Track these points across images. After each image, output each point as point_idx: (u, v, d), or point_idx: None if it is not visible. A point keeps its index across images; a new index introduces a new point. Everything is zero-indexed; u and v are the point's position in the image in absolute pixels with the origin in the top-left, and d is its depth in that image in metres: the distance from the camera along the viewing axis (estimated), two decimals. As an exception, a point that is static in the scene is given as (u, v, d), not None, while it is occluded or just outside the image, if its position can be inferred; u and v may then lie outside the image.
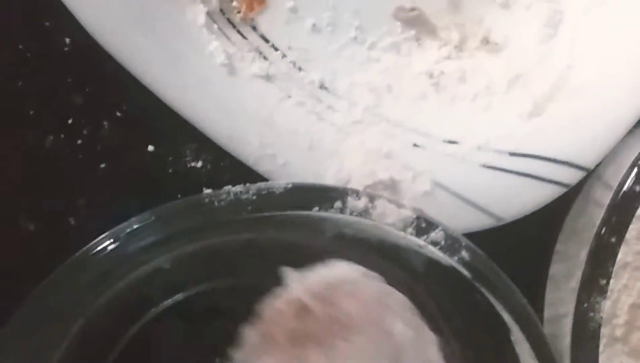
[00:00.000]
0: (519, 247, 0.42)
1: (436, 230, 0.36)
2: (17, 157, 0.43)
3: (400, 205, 0.36)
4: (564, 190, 0.40)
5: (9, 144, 0.43)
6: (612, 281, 0.40)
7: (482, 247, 0.37)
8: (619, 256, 0.37)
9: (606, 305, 0.39)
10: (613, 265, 0.35)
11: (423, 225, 0.36)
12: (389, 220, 0.36)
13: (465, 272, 0.36)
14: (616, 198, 0.36)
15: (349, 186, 0.39)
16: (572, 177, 0.40)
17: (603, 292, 0.35)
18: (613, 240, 0.35)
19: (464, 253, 0.36)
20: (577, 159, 0.40)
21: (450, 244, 0.36)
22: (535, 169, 0.40)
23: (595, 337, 0.35)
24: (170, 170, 0.43)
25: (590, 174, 0.40)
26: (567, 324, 0.38)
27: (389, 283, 0.37)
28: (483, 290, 0.36)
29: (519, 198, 0.40)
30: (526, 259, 0.42)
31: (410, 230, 0.36)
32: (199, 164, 0.43)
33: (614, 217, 0.36)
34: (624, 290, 0.40)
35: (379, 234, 0.37)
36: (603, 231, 0.35)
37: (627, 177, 0.37)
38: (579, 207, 0.41)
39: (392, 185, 0.40)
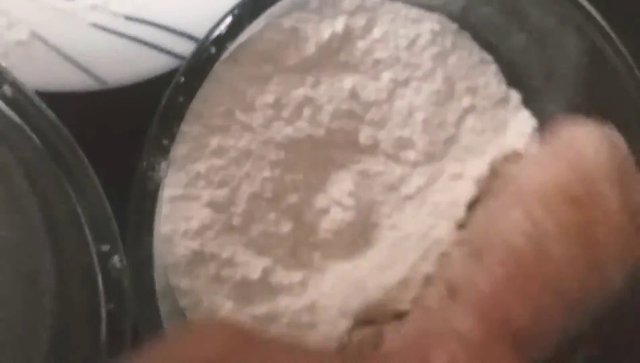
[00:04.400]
0: (124, 114, 0.40)
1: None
2: None
3: None
4: (178, 62, 0.39)
5: None
6: (233, 168, 0.39)
7: (88, 110, 0.36)
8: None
9: (224, 192, 0.39)
10: (178, 126, 0.34)
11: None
12: None
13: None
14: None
15: None
16: (186, 49, 0.39)
17: (165, 152, 0.34)
18: (181, 99, 0.34)
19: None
20: (193, 30, 0.39)
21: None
22: (150, 35, 0.39)
23: (154, 197, 0.34)
24: None
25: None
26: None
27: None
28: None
29: (128, 64, 0.39)
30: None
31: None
32: None
33: (183, 77, 0.34)
34: (245, 178, 0.40)
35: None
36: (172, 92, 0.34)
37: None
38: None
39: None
